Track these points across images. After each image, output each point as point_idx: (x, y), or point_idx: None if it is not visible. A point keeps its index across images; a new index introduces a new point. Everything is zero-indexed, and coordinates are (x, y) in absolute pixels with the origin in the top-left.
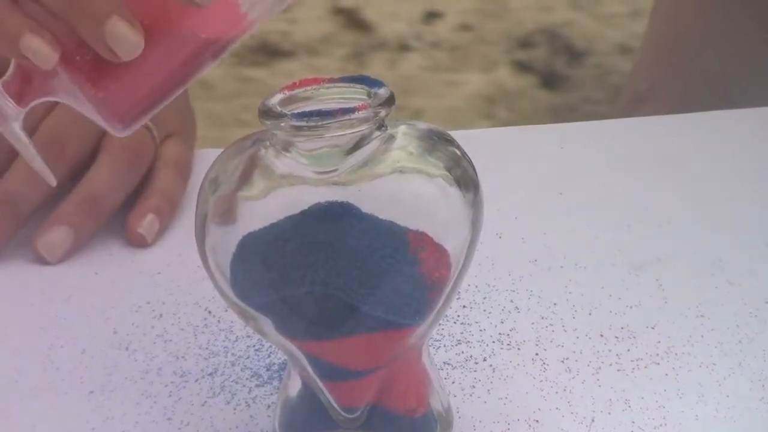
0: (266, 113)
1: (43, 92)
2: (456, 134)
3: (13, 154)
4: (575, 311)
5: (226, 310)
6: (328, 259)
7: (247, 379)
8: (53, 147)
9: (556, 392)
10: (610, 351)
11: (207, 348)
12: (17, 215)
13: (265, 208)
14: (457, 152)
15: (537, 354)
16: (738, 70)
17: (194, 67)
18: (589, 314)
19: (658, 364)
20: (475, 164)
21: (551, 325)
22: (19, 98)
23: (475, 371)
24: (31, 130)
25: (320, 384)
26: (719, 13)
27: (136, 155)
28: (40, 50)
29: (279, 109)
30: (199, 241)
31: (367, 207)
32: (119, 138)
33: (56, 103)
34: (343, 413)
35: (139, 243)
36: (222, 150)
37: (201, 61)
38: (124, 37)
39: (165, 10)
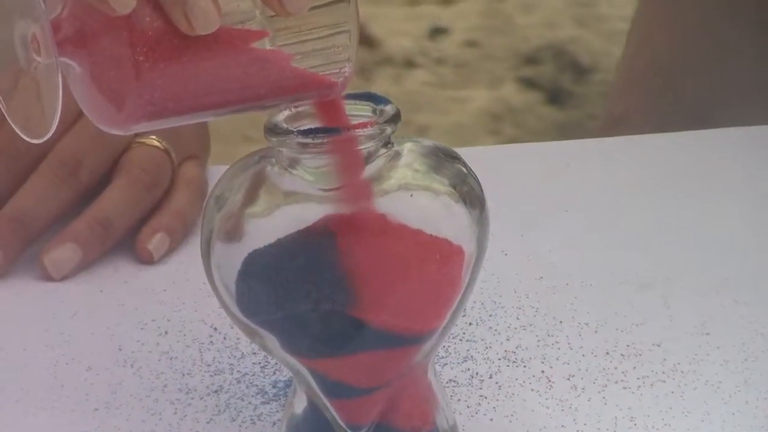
0: (272, 130)
1: (84, 49)
2: (462, 151)
3: (26, 171)
4: (581, 329)
5: (232, 327)
6: (333, 276)
7: (252, 396)
8: (68, 166)
9: (562, 410)
10: (615, 369)
11: (212, 365)
12: (26, 233)
13: (270, 225)
14: (463, 169)
15: (543, 371)
16: (712, 93)
17: (231, 94)
18: (595, 332)
19: (664, 381)
20: (481, 181)
21: (557, 342)
22: (59, 44)
23: (480, 389)
24: (45, 149)
25: (326, 401)
26: (693, 36)
27: (154, 180)
28: None
29: (285, 125)
30: (204, 258)
31: None
32: (139, 160)
33: (72, 124)
34: (348, 431)
35: (146, 259)
36: (228, 167)
37: (242, 93)
38: (205, 10)
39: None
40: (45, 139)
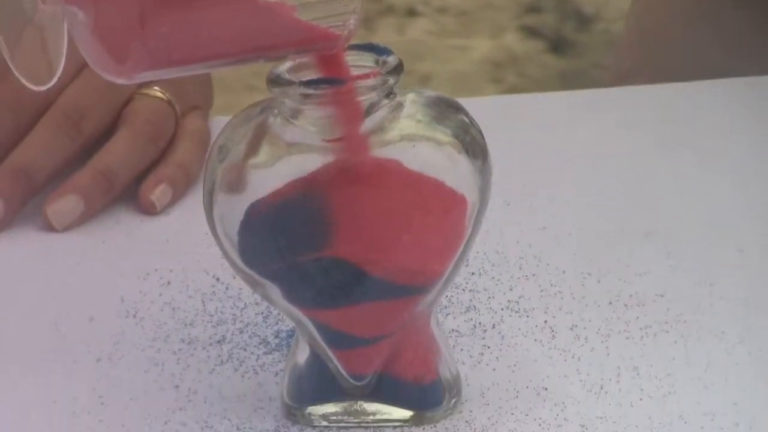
0: (275, 81)
1: None
2: (464, 101)
3: (30, 124)
4: (584, 279)
5: (235, 278)
6: (336, 225)
7: (255, 346)
8: (71, 118)
9: (565, 360)
10: (618, 318)
11: (215, 315)
12: (30, 185)
13: (273, 176)
14: (466, 120)
15: (546, 321)
16: (720, 48)
17: (234, 45)
18: (598, 282)
19: (667, 332)
20: (483, 132)
21: (560, 292)
22: None
23: (483, 338)
24: (50, 101)
25: (328, 352)
26: None
27: (158, 132)
28: None
29: (287, 76)
30: (207, 209)
31: None
32: (142, 112)
33: (76, 75)
34: (351, 381)
35: (149, 210)
36: (230, 117)
37: (245, 44)
38: None
39: None
40: (49, 86)
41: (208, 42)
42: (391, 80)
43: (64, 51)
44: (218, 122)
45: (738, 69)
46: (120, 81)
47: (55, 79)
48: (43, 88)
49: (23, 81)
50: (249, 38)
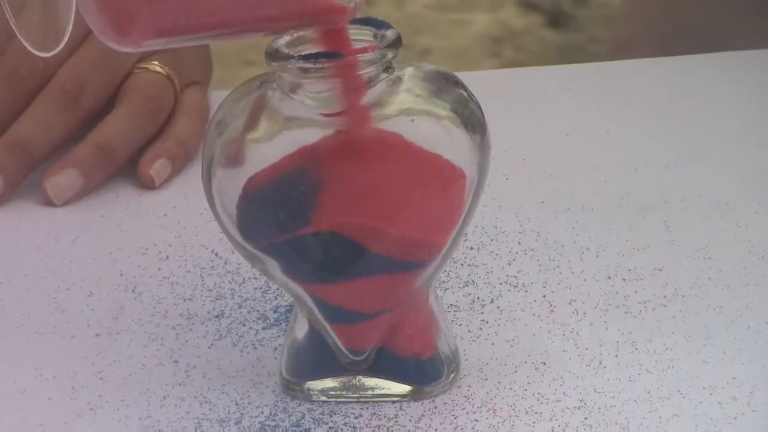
0: (273, 55)
1: None
2: (463, 75)
3: (29, 98)
4: (582, 253)
5: (233, 252)
6: (335, 199)
7: (253, 321)
8: (71, 93)
9: (563, 334)
10: (617, 293)
11: (214, 290)
12: (29, 159)
13: (271, 150)
14: (464, 94)
15: (544, 296)
16: (717, 18)
17: (242, 12)
18: (597, 256)
19: (666, 306)
20: (482, 106)
21: (558, 267)
22: None
23: (482, 313)
24: (48, 75)
25: (327, 327)
26: None
27: (157, 106)
28: None
29: (286, 50)
30: (205, 183)
31: None
32: (142, 86)
33: (75, 48)
34: (350, 356)
35: (148, 185)
36: (229, 92)
37: (251, 12)
38: None
39: None
40: (54, 52)
41: (216, 10)
42: (390, 54)
43: (72, 15)
44: (217, 97)
45: (737, 41)
46: (125, 50)
47: (61, 46)
48: (49, 54)
49: (28, 46)
50: (256, 7)
